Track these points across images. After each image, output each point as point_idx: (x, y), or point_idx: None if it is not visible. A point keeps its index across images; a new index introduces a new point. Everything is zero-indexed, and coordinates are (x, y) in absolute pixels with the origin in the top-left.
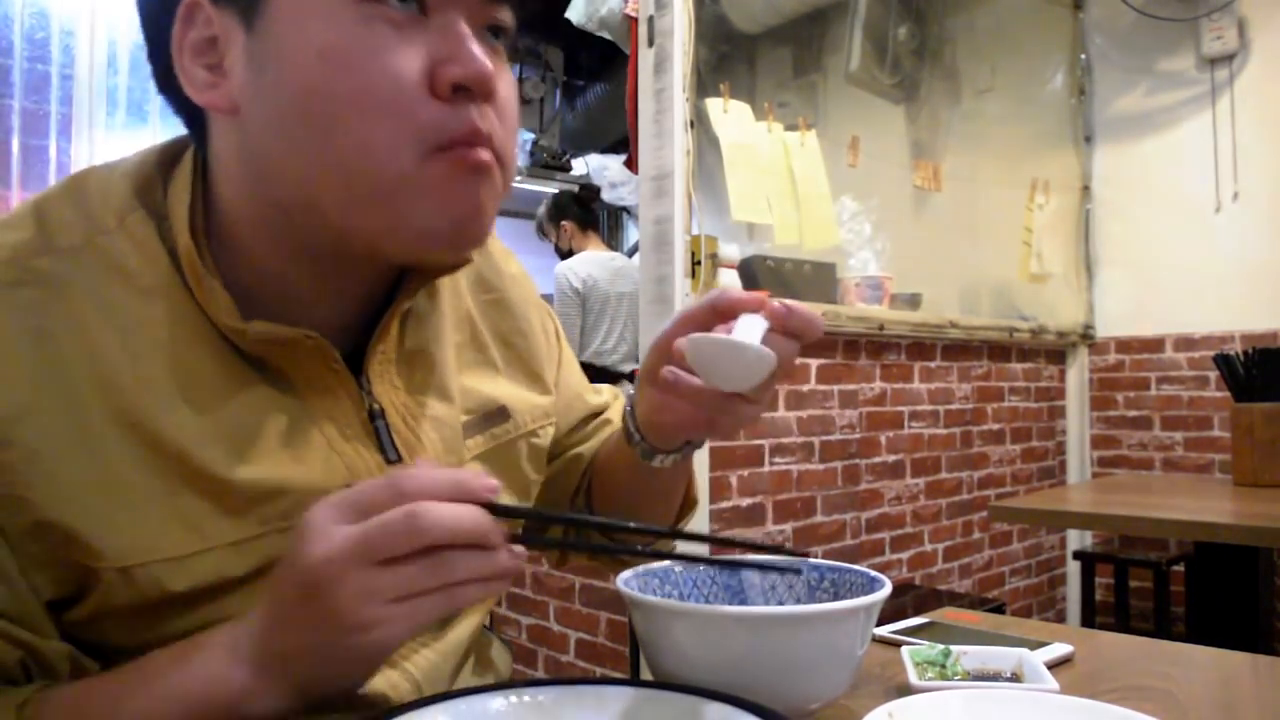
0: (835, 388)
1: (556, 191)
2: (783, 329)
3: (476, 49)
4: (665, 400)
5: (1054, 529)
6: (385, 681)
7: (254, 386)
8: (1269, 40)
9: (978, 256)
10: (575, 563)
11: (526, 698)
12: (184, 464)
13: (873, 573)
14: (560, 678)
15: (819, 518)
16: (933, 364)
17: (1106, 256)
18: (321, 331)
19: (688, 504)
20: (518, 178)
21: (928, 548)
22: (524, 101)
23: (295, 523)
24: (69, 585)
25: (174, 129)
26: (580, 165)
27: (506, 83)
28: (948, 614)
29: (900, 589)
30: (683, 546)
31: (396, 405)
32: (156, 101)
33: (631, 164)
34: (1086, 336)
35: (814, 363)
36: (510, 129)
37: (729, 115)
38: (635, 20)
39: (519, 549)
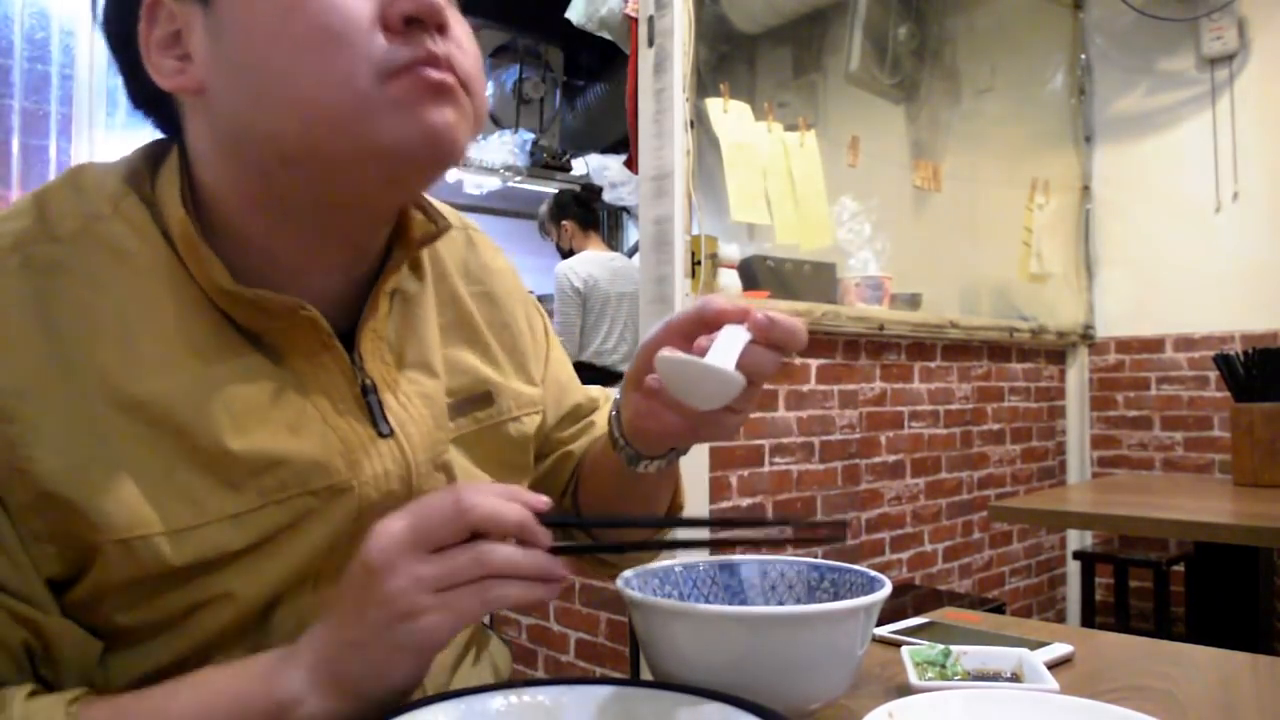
0: (835, 388)
1: (558, 191)
2: (765, 340)
3: None
4: (650, 407)
5: (1054, 529)
6: None
7: (250, 360)
8: (1269, 40)
9: (978, 256)
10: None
11: (526, 698)
12: (182, 438)
13: (873, 573)
14: (560, 678)
15: (819, 518)
16: (933, 364)
17: (1106, 256)
18: (312, 305)
19: (674, 509)
20: (517, 178)
21: (928, 548)
22: (524, 101)
23: (292, 494)
24: (69, 560)
25: None
26: (580, 165)
27: (461, 24)
28: (948, 614)
29: (900, 589)
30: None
31: (388, 380)
32: None
33: (631, 164)
34: (1086, 336)
35: (814, 363)
36: (472, 61)
37: (729, 115)
38: (635, 20)
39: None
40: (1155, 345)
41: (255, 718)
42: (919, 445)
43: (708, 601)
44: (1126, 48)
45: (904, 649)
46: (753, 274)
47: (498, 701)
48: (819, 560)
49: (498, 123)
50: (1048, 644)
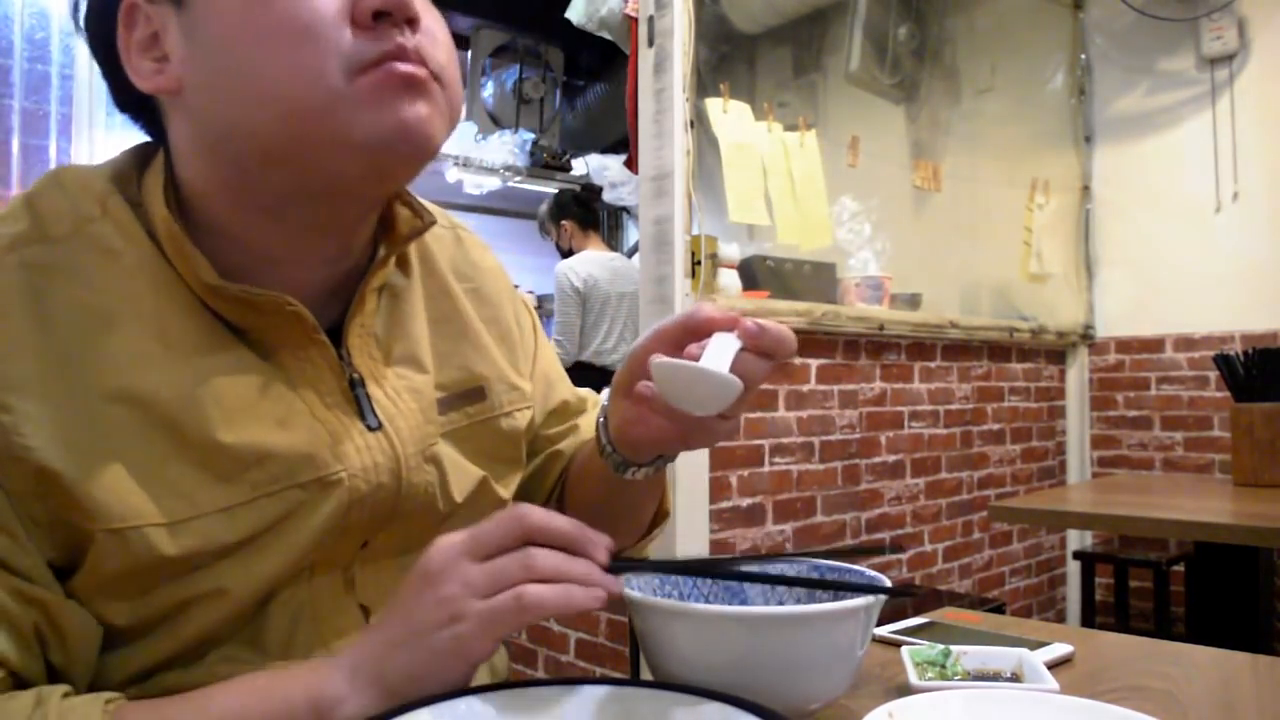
0: (835, 388)
1: (557, 191)
2: (755, 348)
3: None
4: (639, 413)
5: (1054, 529)
6: None
7: (238, 355)
8: (1269, 40)
9: (978, 256)
10: None
11: (526, 698)
12: (174, 431)
13: (872, 573)
14: (560, 678)
15: (819, 518)
16: (933, 364)
17: (1106, 256)
18: (298, 300)
19: (660, 515)
20: (517, 178)
21: (928, 548)
22: (524, 101)
23: (282, 487)
24: (65, 549)
25: None
26: (580, 165)
27: (433, 17)
28: (948, 614)
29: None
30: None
31: (375, 374)
32: None
33: (631, 164)
34: (1086, 336)
35: (814, 363)
36: (446, 54)
37: (729, 115)
38: (635, 20)
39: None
40: (1155, 345)
41: (295, 715)
42: (919, 445)
43: (708, 601)
44: (1126, 48)
45: (904, 649)
46: (753, 274)
47: (497, 702)
48: (819, 561)
49: (498, 123)
50: (1048, 644)
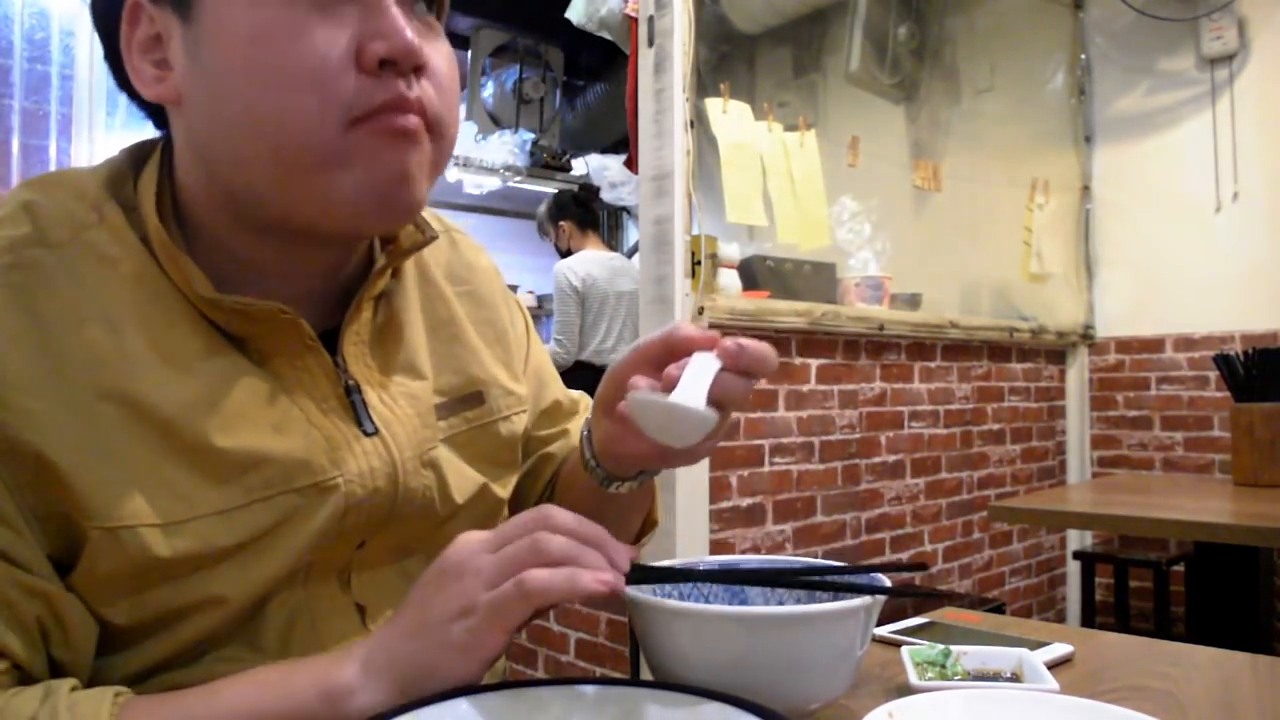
0: (835, 388)
1: (557, 191)
2: (735, 368)
3: (402, 22)
4: (620, 432)
5: (1054, 529)
6: None
7: (233, 362)
8: (1269, 40)
9: (978, 256)
10: None
11: (526, 698)
12: (170, 433)
13: (873, 573)
14: (560, 678)
15: (819, 518)
16: (933, 364)
17: (1106, 256)
18: (294, 308)
19: (648, 525)
20: (517, 178)
21: (928, 548)
22: (524, 101)
23: (277, 492)
24: (63, 544)
25: None
26: (580, 165)
27: (441, 54)
28: (948, 614)
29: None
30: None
31: (372, 381)
32: None
33: (631, 164)
34: (1086, 336)
35: (814, 363)
36: (448, 99)
37: (728, 115)
38: (635, 20)
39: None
40: (1155, 345)
41: (306, 705)
42: (919, 445)
43: (708, 601)
44: (1126, 48)
45: (904, 649)
46: (752, 274)
47: (497, 702)
48: (819, 561)
49: (498, 123)
50: (1048, 644)
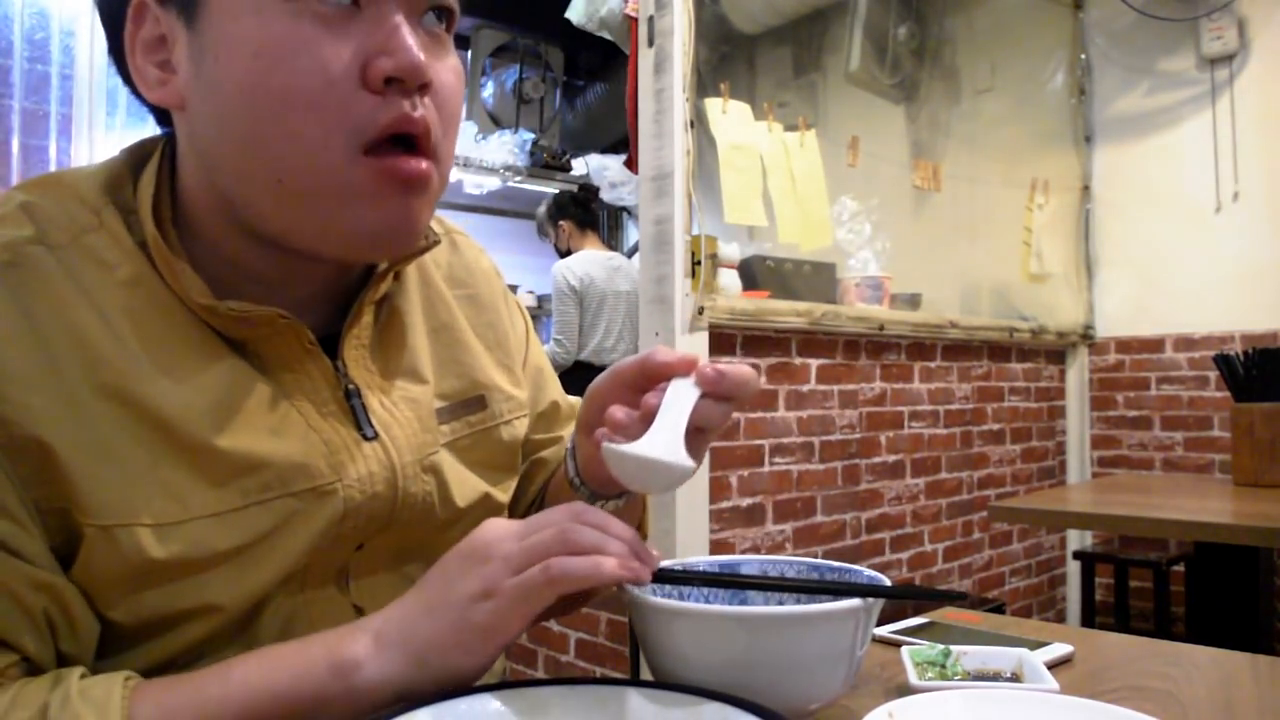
0: (835, 388)
1: (557, 191)
2: (715, 394)
3: (409, 40)
4: (597, 452)
5: (1054, 529)
6: None
7: (233, 366)
8: (1269, 40)
9: (978, 256)
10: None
11: (526, 698)
12: (168, 434)
13: (873, 573)
14: (560, 678)
15: (819, 518)
16: (933, 364)
17: (1106, 256)
18: (294, 313)
19: None
20: (517, 178)
21: (928, 548)
22: (524, 101)
23: (275, 495)
24: (61, 539)
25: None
26: (580, 165)
27: (448, 69)
28: (948, 614)
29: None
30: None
31: (371, 385)
32: None
33: (631, 164)
34: (1086, 336)
35: (814, 363)
36: (450, 118)
37: (728, 116)
38: (635, 20)
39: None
40: (1155, 345)
41: (317, 679)
42: (919, 445)
43: (708, 601)
44: (1126, 48)
45: (904, 649)
46: (752, 274)
47: (497, 702)
48: (819, 560)
49: (498, 123)
50: (1048, 644)
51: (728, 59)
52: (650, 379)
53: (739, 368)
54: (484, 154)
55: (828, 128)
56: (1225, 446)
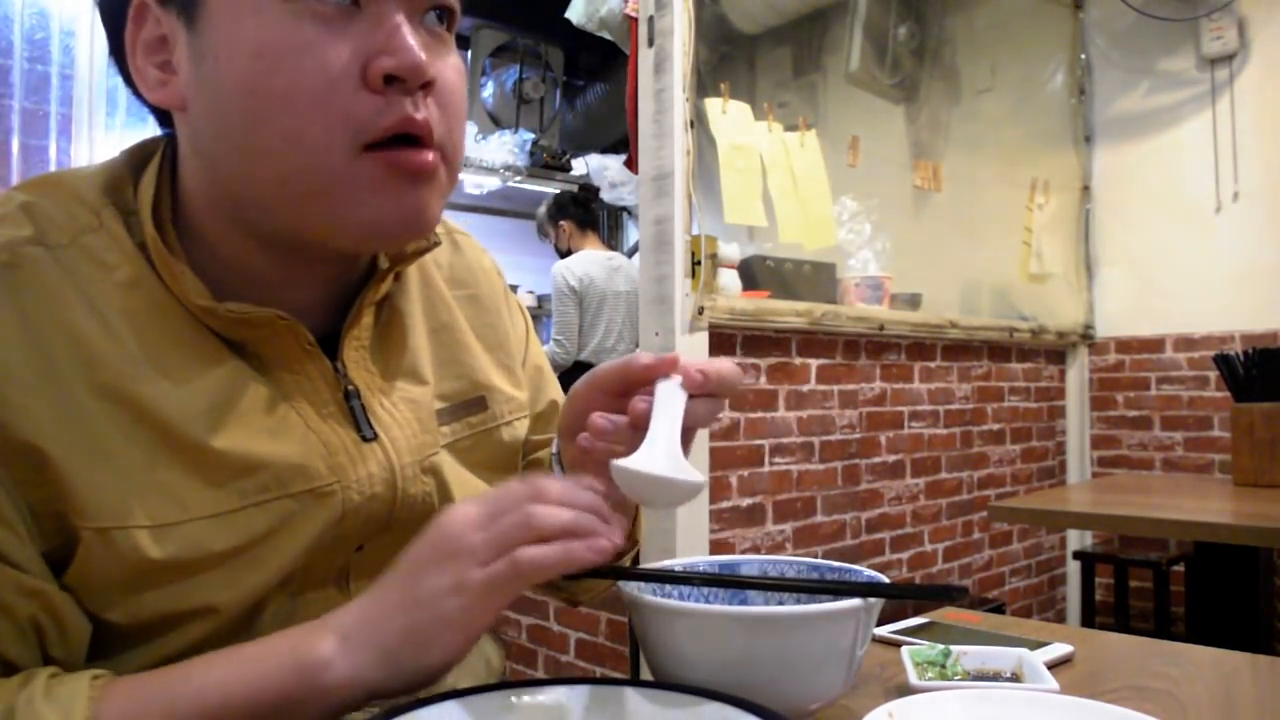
0: (835, 388)
1: (557, 192)
2: (702, 393)
3: (409, 39)
4: (585, 460)
5: (1054, 529)
6: None
7: (232, 367)
8: (1269, 40)
9: (978, 256)
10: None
11: (526, 698)
12: (166, 435)
13: (873, 573)
14: (560, 678)
15: (819, 518)
16: (933, 364)
17: (1106, 256)
18: (294, 314)
19: (629, 544)
20: (517, 178)
21: (928, 548)
22: (524, 101)
23: (273, 497)
24: (57, 542)
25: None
26: (580, 165)
27: (449, 67)
28: (948, 614)
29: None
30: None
31: (371, 386)
32: None
33: (631, 164)
34: (1086, 336)
35: (814, 363)
36: (454, 116)
37: (728, 116)
38: (635, 20)
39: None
40: (1155, 345)
41: (282, 681)
42: (919, 445)
43: (708, 601)
44: (1126, 48)
45: (904, 649)
46: (752, 274)
47: (497, 702)
48: (819, 560)
49: (498, 123)
50: (1048, 644)
51: (728, 59)
52: (633, 384)
53: (721, 364)
54: (484, 154)
55: (828, 128)
56: (1225, 446)
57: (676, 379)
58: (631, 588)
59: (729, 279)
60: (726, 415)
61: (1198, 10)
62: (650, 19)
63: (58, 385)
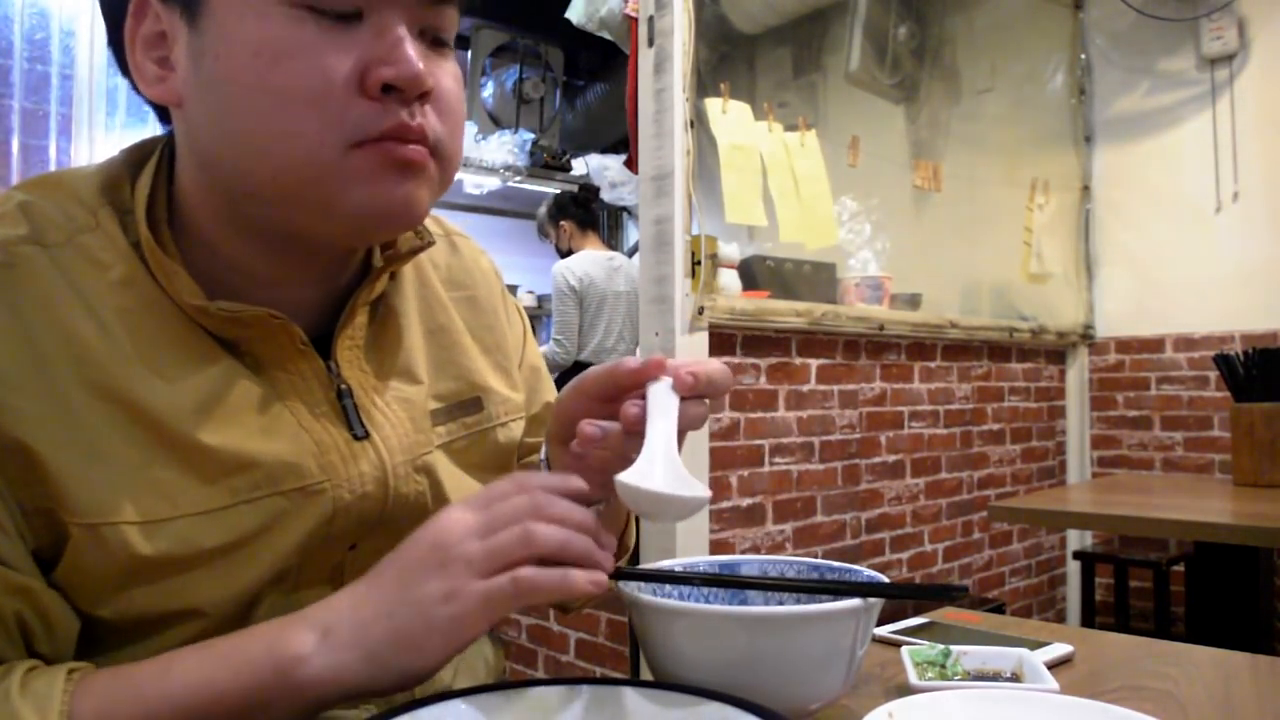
0: (835, 388)
1: (557, 192)
2: (692, 395)
3: (409, 50)
4: (576, 467)
5: (1054, 529)
6: None
7: (225, 366)
8: (1269, 40)
9: (978, 256)
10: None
11: (526, 698)
12: (158, 431)
13: (872, 573)
14: (560, 678)
15: (819, 518)
16: (933, 364)
17: (1106, 256)
18: (289, 313)
19: (621, 549)
20: (517, 178)
21: (928, 548)
22: (524, 101)
23: (264, 494)
24: (46, 538)
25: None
26: (580, 165)
27: (447, 74)
28: (948, 614)
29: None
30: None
31: (365, 386)
32: None
33: (631, 164)
34: (1086, 336)
35: (814, 363)
36: (453, 124)
37: (728, 116)
38: (635, 20)
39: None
40: (1155, 345)
41: (256, 674)
42: (919, 445)
43: (708, 601)
44: (1126, 48)
45: (904, 649)
46: (752, 274)
47: (497, 702)
48: (819, 560)
49: (497, 123)
50: (1048, 644)
51: (728, 59)
52: (622, 389)
53: (711, 365)
54: (484, 154)
55: (828, 128)
56: (1225, 446)
57: (667, 381)
58: (631, 588)
59: (729, 279)
60: (726, 415)
61: (1198, 10)
62: (650, 19)
63: (50, 383)
